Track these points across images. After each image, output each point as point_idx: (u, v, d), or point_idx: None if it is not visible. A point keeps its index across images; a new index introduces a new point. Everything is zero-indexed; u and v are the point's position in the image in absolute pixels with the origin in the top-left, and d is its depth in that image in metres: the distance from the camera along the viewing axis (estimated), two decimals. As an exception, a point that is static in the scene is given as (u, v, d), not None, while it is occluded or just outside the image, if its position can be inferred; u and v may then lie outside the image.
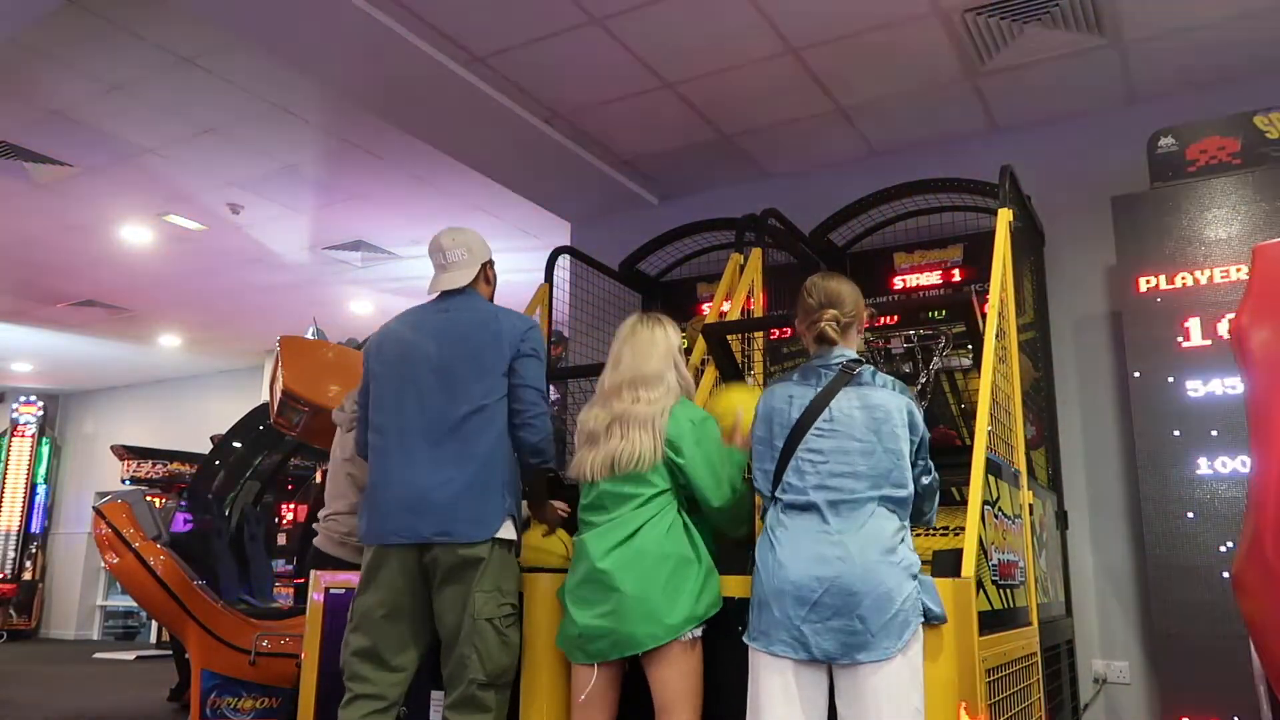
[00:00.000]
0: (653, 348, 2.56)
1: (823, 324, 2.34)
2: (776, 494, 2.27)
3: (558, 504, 2.96)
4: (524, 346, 2.67)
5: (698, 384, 3.26)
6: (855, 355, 2.36)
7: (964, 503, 2.54)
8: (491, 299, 2.86)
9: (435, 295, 2.80)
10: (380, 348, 2.78)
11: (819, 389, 2.29)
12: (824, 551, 2.11)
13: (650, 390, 2.50)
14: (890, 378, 2.34)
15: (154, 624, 10.55)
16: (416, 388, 2.63)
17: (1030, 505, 3.27)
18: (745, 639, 2.20)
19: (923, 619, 2.11)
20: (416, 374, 2.65)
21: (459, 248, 2.78)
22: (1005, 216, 3.40)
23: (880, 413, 2.23)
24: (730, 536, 2.58)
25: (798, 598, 2.10)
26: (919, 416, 2.31)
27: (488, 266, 2.84)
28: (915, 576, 2.12)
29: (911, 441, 2.27)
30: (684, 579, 2.35)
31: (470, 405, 2.58)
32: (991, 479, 2.67)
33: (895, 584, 2.07)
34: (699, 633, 2.36)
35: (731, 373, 3.64)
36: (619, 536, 2.38)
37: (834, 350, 2.35)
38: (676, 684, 2.32)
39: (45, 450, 12.86)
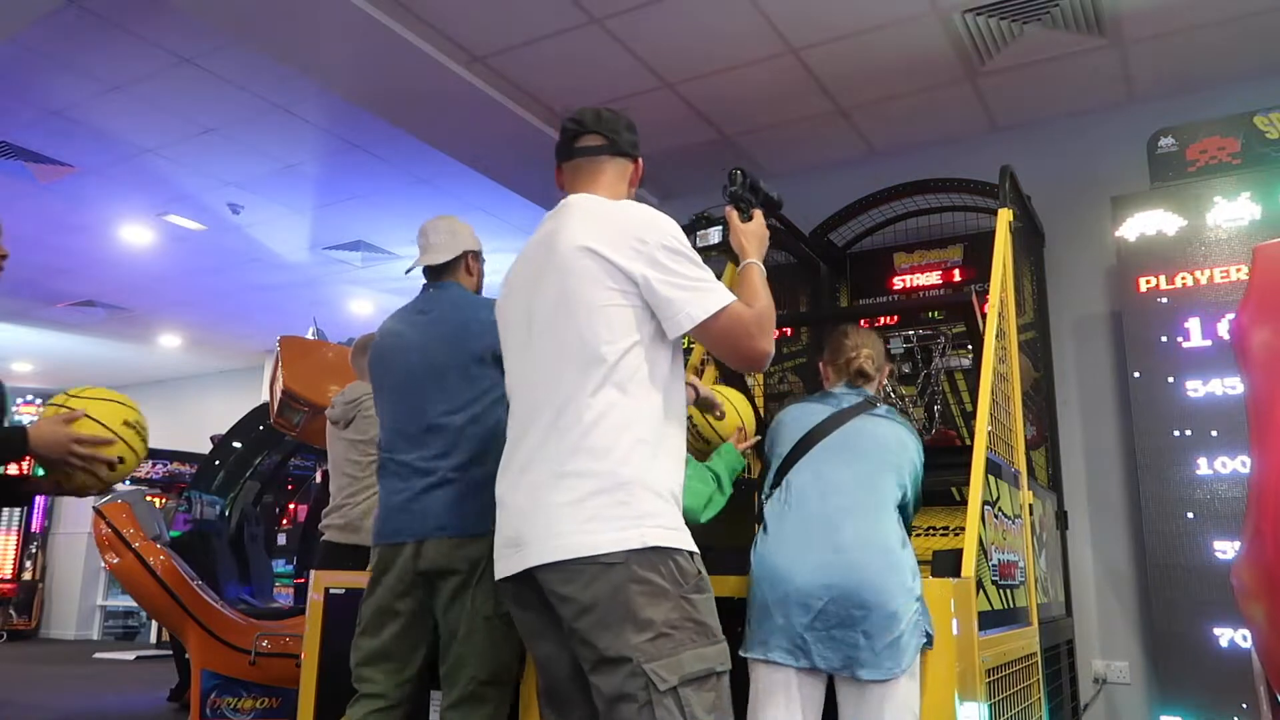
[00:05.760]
0: None
1: (860, 360, 2.48)
2: (779, 496, 2.27)
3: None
4: None
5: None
6: (877, 397, 2.48)
7: (964, 503, 2.54)
8: (477, 292, 2.86)
9: (414, 297, 2.84)
10: (372, 358, 2.81)
11: (836, 409, 2.38)
12: (830, 559, 2.10)
13: None
14: (907, 420, 2.45)
15: (154, 624, 10.54)
16: (408, 391, 2.63)
17: (1030, 505, 3.27)
18: (741, 652, 2.14)
19: (924, 641, 2.10)
20: (401, 380, 2.65)
21: (442, 232, 2.83)
22: (1005, 216, 3.40)
23: (892, 439, 2.32)
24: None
25: (802, 604, 2.08)
26: (920, 466, 2.38)
27: (470, 256, 2.84)
28: (919, 598, 2.11)
29: (913, 483, 2.32)
30: None
31: (459, 408, 2.58)
32: (991, 479, 2.67)
33: (901, 605, 2.05)
34: None
35: (731, 372, 3.64)
36: None
37: (860, 388, 2.47)
38: None
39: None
